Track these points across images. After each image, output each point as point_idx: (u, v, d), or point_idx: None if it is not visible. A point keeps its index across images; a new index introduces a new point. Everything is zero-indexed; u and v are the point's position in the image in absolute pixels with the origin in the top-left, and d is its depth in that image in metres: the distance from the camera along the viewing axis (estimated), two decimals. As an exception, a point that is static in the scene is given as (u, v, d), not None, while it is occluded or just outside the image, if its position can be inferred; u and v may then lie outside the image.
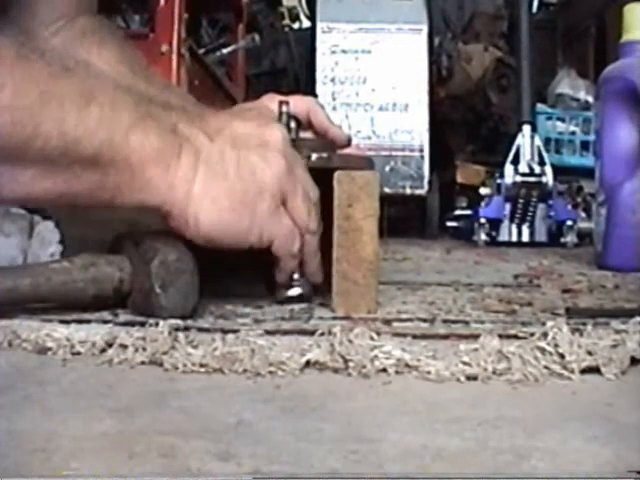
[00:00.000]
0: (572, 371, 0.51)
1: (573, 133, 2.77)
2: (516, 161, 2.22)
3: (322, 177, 0.73)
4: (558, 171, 2.31)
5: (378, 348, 0.52)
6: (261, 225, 0.69)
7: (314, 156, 0.76)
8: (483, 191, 2.35)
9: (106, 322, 0.63)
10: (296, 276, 0.75)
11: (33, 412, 0.43)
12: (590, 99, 2.70)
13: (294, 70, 3.52)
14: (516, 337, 0.57)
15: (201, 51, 2.22)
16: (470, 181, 2.71)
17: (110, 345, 0.56)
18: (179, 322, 0.61)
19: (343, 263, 0.71)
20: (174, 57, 1.83)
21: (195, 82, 1.97)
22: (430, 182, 2.62)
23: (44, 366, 0.53)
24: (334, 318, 0.69)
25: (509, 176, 2.21)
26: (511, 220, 2.22)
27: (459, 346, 0.53)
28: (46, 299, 0.66)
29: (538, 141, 2.26)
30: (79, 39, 0.91)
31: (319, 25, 2.65)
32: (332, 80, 2.63)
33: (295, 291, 0.75)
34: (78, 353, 0.56)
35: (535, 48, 2.39)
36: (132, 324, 0.61)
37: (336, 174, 0.72)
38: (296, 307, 0.73)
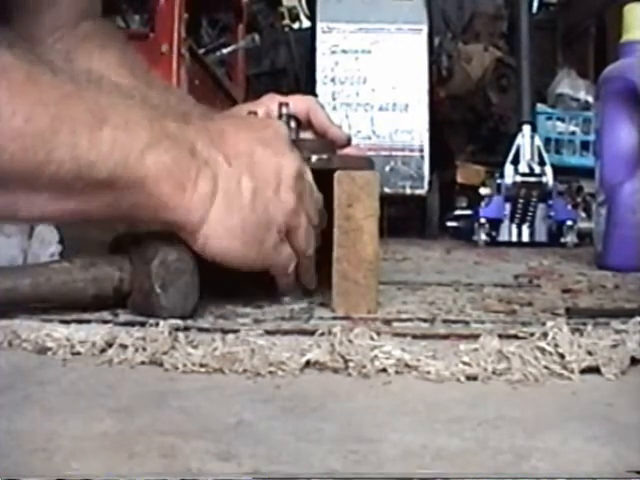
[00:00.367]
0: (572, 371, 0.51)
1: (573, 133, 2.77)
2: (516, 161, 2.22)
3: (322, 178, 0.73)
4: (558, 171, 2.31)
5: (378, 348, 0.52)
6: (265, 256, 0.70)
7: (314, 157, 0.76)
8: (483, 191, 2.35)
9: (106, 322, 0.63)
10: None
11: (33, 412, 0.43)
12: (590, 99, 2.70)
13: (294, 70, 3.52)
14: (516, 337, 0.57)
15: (201, 51, 2.22)
16: (470, 181, 2.71)
17: (110, 345, 0.56)
18: (179, 322, 0.61)
19: (343, 263, 0.71)
20: (174, 57, 1.83)
21: (195, 82, 1.97)
22: (430, 182, 2.62)
23: (44, 366, 0.53)
24: (334, 318, 0.69)
25: (509, 176, 2.21)
26: (511, 220, 2.22)
27: (459, 346, 0.53)
28: (46, 299, 0.66)
29: (538, 141, 2.26)
30: (81, 43, 0.91)
31: (319, 25, 2.65)
32: (332, 80, 2.63)
33: (298, 304, 0.75)
34: (78, 353, 0.56)
35: (535, 48, 2.39)
36: (132, 324, 0.61)
37: (336, 174, 0.72)
38: (296, 307, 0.74)
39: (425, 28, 2.64)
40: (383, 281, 0.82)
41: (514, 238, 2.22)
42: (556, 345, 0.52)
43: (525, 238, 2.22)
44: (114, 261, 0.69)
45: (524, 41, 2.30)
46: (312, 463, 0.36)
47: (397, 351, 0.52)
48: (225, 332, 0.58)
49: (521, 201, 2.20)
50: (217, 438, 0.39)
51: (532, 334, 0.55)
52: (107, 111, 0.62)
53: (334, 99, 2.60)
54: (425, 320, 0.68)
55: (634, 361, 0.54)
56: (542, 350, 0.52)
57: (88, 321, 0.63)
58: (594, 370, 0.52)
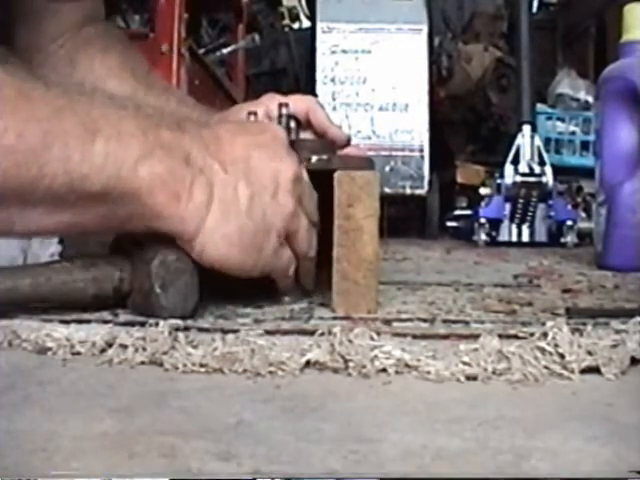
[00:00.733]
0: (572, 371, 0.51)
1: (573, 133, 2.77)
2: (516, 161, 2.22)
3: (322, 178, 0.73)
4: (558, 171, 2.32)
5: (378, 348, 0.52)
6: (264, 262, 0.70)
7: (314, 158, 0.76)
8: (483, 191, 2.36)
9: (106, 322, 0.63)
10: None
11: (33, 412, 0.43)
12: (590, 99, 2.70)
13: (294, 70, 3.52)
14: (516, 337, 0.57)
15: (201, 51, 2.22)
16: (470, 181, 2.71)
17: (110, 345, 0.56)
18: (179, 322, 0.61)
19: (343, 263, 0.71)
20: (174, 57, 1.83)
21: (195, 82, 1.97)
22: (430, 182, 2.62)
23: (44, 366, 0.53)
24: (334, 318, 0.69)
25: (509, 176, 2.21)
26: (511, 220, 2.22)
27: (459, 346, 0.53)
28: (46, 299, 0.66)
29: (538, 141, 2.26)
30: (83, 47, 0.92)
31: (319, 25, 2.65)
32: (332, 80, 2.63)
33: (298, 304, 0.75)
34: (78, 353, 0.56)
35: (535, 48, 2.39)
36: (132, 324, 0.61)
37: (336, 174, 0.72)
38: (296, 307, 0.74)
39: (425, 28, 2.65)
40: (383, 281, 0.82)
41: (514, 238, 2.22)
42: (556, 345, 0.52)
43: (525, 238, 2.22)
44: (114, 261, 0.69)
45: (524, 41, 2.30)
46: (312, 463, 0.36)
47: (397, 351, 0.52)
48: (225, 332, 0.58)
49: (521, 201, 2.20)
50: (217, 438, 0.39)
51: (532, 334, 0.54)
52: (99, 123, 0.62)
53: (334, 99, 2.60)
54: (425, 320, 0.68)
55: (634, 361, 0.54)
56: (542, 350, 0.52)
57: (88, 321, 0.63)
58: (594, 370, 0.52)
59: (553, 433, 0.41)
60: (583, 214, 2.42)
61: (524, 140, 2.23)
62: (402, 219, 2.69)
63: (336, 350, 0.52)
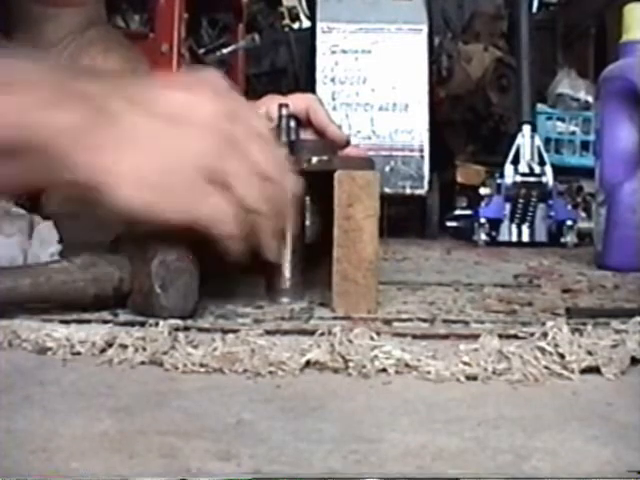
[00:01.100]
0: (572, 371, 0.51)
1: (573, 133, 2.77)
2: (516, 161, 2.22)
3: (322, 179, 0.73)
4: (558, 171, 2.31)
5: (378, 348, 0.53)
6: (190, 206, 0.65)
7: (315, 159, 0.76)
8: (483, 191, 2.35)
9: (106, 322, 0.63)
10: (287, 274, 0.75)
11: (33, 412, 0.43)
12: (590, 99, 2.70)
13: (294, 70, 3.52)
14: (516, 337, 0.58)
15: (201, 51, 2.22)
16: (470, 181, 2.71)
17: (110, 345, 0.56)
18: (179, 322, 0.61)
19: (343, 263, 0.71)
20: (174, 57, 1.83)
21: (195, 82, 1.97)
22: (430, 182, 2.62)
23: (44, 366, 0.53)
24: (334, 318, 0.69)
25: (509, 176, 2.21)
26: (511, 220, 2.22)
27: (459, 346, 0.53)
28: (46, 299, 0.66)
29: (538, 141, 2.26)
30: (86, 48, 0.92)
31: (319, 25, 2.65)
32: (332, 80, 2.63)
33: (298, 304, 0.75)
34: (78, 353, 0.56)
35: (535, 48, 2.39)
36: (132, 324, 0.61)
37: (336, 174, 0.72)
38: (296, 307, 0.73)
39: (425, 28, 2.64)
40: (383, 281, 0.82)
41: (514, 238, 2.22)
42: (556, 345, 0.52)
43: (525, 238, 2.22)
44: (114, 261, 0.69)
45: (524, 41, 2.30)
46: (312, 463, 0.36)
47: (397, 351, 0.52)
48: (225, 332, 0.58)
49: (521, 201, 2.20)
50: (217, 438, 0.39)
51: (532, 334, 0.55)
52: (10, 76, 0.60)
53: (334, 99, 2.60)
54: (425, 320, 0.68)
55: (634, 361, 0.54)
56: (542, 350, 0.52)
57: (88, 321, 0.63)
58: (594, 370, 0.52)
59: (553, 433, 0.41)
60: (583, 214, 2.42)
61: (524, 140, 2.23)
62: (402, 219, 2.69)
63: (336, 350, 0.52)
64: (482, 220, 2.19)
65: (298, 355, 0.53)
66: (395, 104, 2.62)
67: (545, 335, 0.53)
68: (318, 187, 0.76)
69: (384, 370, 0.52)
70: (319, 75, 2.63)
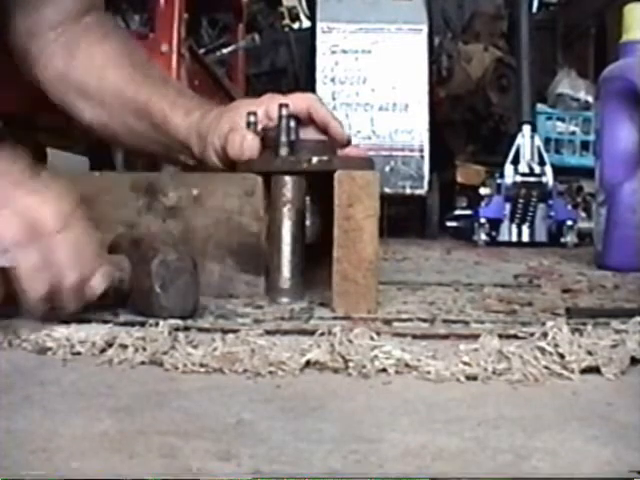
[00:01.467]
0: (572, 371, 0.51)
1: (573, 133, 2.77)
2: (516, 161, 2.22)
3: (322, 179, 0.73)
4: (558, 171, 2.32)
5: (378, 348, 0.52)
6: None
7: (314, 159, 0.76)
8: (483, 191, 2.36)
9: (106, 322, 0.63)
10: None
11: (33, 412, 0.43)
12: (590, 99, 2.70)
13: (294, 70, 3.52)
14: (516, 337, 0.58)
15: (201, 51, 2.22)
16: (470, 181, 2.71)
17: (110, 345, 0.56)
18: (179, 322, 0.61)
19: (343, 263, 0.71)
20: (174, 57, 1.83)
21: (195, 82, 1.97)
22: (430, 182, 2.62)
23: (44, 366, 0.53)
24: (334, 318, 0.69)
25: (509, 176, 2.21)
26: (511, 220, 2.22)
27: (459, 346, 0.53)
28: (46, 299, 0.66)
29: (538, 141, 2.26)
30: (83, 34, 0.92)
31: (319, 25, 2.65)
32: (332, 80, 2.63)
33: (298, 304, 0.75)
34: (78, 353, 0.56)
35: (535, 48, 2.39)
36: (132, 324, 0.61)
37: (336, 174, 0.72)
38: (296, 307, 0.73)
39: (425, 28, 2.65)
40: (383, 281, 0.82)
41: (514, 238, 2.22)
42: (556, 345, 0.52)
43: (525, 238, 2.22)
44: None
45: (524, 41, 2.30)
46: (312, 463, 0.36)
47: (397, 351, 0.52)
48: (225, 332, 0.58)
49: (521, 201, 2.20)
50: (217, 438, 0.39)
51: (532, 334, 0.55)
52: None
53: (334, 99, 2.60)
54: (425, 320, 0.68)
55: (634, 361, 0.54)
56: (542, 350, 0.52)
57: (88, 321, 0.62)
58: (594, 370, 0.52)
59: (553, 433, 0.41)
60: (583, 214, 2.43)
61: (524, 140, 2.23)
62: (402, 219, 2.69)
63: (336, 350, 0.52)
64: (482, 220, 2.19)
65: (298, 355, 0.53)
66: (395, 104, 2.62)
67: (545, 335, 0.53)
68: (318, 187, 0.76)
69: (384, 370, 0.52)
70: (319, 75, 2.63)
